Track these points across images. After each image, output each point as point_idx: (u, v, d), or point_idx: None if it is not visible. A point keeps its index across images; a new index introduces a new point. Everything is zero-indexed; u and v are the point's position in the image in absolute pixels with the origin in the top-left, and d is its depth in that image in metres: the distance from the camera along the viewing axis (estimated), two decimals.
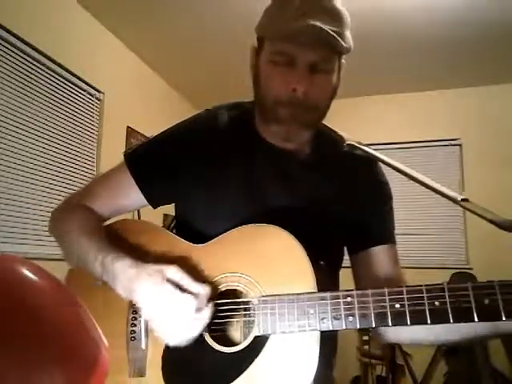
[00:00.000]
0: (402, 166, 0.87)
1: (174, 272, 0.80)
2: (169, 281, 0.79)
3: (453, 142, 4.10)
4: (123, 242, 0.93)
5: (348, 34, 0.87)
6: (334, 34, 0.82)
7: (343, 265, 1.02)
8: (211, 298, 0.81)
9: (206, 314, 0.79)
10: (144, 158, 1.00)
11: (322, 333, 0.79)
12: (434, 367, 3.00)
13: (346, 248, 1.02)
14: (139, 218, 2.23)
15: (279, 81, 0.88)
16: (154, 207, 1.00)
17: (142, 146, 1.05)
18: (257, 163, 0.96)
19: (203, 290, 0.80)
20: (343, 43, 0.84)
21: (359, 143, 0.96)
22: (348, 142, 0.97)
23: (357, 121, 4.23)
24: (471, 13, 3.00)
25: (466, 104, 4.09)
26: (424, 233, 4.00)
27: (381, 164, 1.00)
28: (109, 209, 0.99)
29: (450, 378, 2.98)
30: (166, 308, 0.78)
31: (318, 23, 0.80)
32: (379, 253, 0.97)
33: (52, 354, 0.41)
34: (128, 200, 0.99)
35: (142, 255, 0.88)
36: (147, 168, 0.98)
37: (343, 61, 0.94)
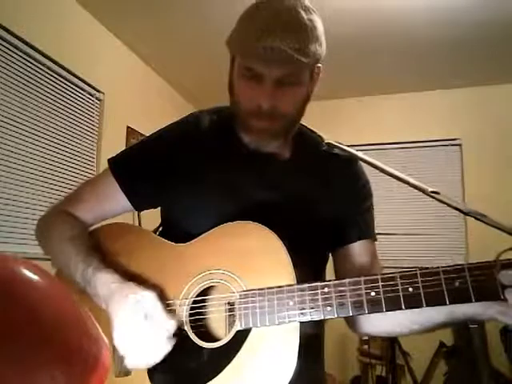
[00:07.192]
0: (377, 162, 0.93)
1: (149, 300, 0.81)
2: (143, 308, 0.80)
3: (453, 142, 4.10)
4: (108, 245, 0.94)
5: (313, 46, 0.86)
6: (294, 53, 0.83)
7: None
8: (176, 333, 0.81)
9: (166, 347, 0.80)
10: (128, 162, 1.02)
11: (306, 329, 0.80)
12: (434, 367, 3.01)
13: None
14: (139, 223, 2.21)
15: (247, 95, 0.91)
16: (139, 211, 1.03)
17: (126, 151, 1.07)
18: (238, 166, 0.98)
19: (170, 325, 0.80)
20: (304, 59, 0.84)
21: (338, 142, 0.99)
22: (327, 142, 1.02)
23: (357, 121, 4.24)
24: (471, 13, 3.00)
25: (466, 104, 4.08)
26: (424, 233, 4.00)
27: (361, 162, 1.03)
28: (93, 214, 1.00)
29: (450, 377, 2.98)
30: (134, 333, 0.79)
31: (276, 43, 0.82)
32: (358, 248, 0.99)
33: (52, 354, 0.41)
34: (112, 204, 1.01)
35: (126, 258, 0.91)
36: (131, 172, 1.00)
37: (319, 65, 0.94)
